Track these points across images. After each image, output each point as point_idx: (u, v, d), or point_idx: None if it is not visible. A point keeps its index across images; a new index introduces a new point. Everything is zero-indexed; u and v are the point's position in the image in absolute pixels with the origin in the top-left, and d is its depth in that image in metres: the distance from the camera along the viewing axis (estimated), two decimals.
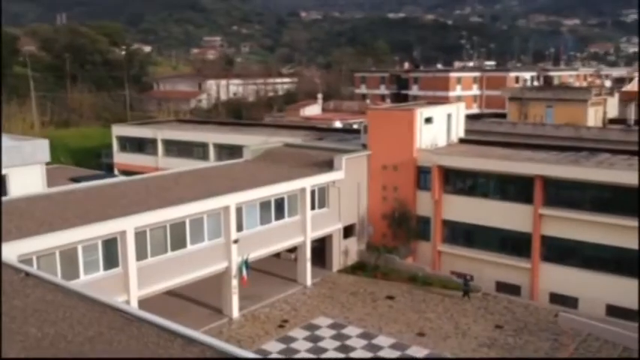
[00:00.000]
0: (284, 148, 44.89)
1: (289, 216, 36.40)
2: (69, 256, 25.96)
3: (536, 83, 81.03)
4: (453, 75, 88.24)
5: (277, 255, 38.96)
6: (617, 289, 33.72)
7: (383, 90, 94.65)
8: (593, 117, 56.40)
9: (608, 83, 65.06)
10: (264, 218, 34.91)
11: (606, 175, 33.85)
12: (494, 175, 37.43)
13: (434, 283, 37.59)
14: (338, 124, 68.74)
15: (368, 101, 76.34)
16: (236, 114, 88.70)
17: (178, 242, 30.28)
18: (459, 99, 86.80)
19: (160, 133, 54.95)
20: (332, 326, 32.15)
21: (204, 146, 52.73)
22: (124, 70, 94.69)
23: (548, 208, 35.38)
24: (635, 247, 33.14)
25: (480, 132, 52.19)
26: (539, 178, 35.31)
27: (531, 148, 41.70)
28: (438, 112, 41.95)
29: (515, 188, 36.79)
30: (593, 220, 34.06)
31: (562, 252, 35.43)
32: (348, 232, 40.82)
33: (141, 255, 28.43)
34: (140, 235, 28.30)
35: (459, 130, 44.71)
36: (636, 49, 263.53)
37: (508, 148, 42.36)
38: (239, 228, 33.05)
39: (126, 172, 52.69)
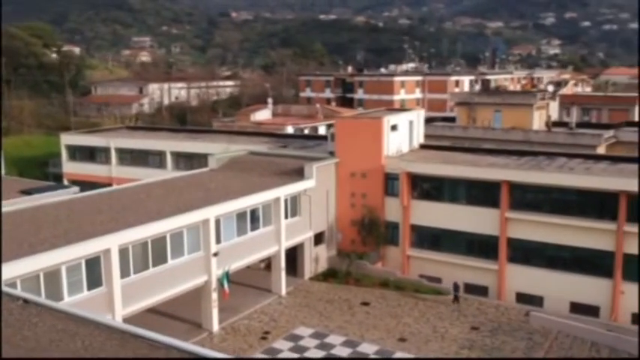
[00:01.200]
0: (249, 156, 44.63)
1: (264, 226, 36.31)
2: (53, 277, 25.00)
3: (478, 87, 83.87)
4: (398, 79, 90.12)
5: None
6: (580, 287, 35.64)
7: (328, 93, 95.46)
8: (537, 120, 59.07)
9: (550, 88, 68.26)
10: (240, 229, 34.66)
11: (568, 180, 35.67)
12: (462, 181, 38.67)
13: (406, 287, 38.46)
14: (290, 130, 68.92)
15: (318, 106, 76.70)
16: (180, 119, 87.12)
17: (160, 258, 29.64)
18: (402, 102, 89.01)
19: (114, 142, 53.32)
20: (314, 336, 32.32)
21: (160, 154, 51.60)
22: (59, 74, 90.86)
23: (514, 212, 36.91)
24: (595, 246, 35.22)
25: (433, 136, 53.59)
26: (506, 183, 36.79)
27: (492, 153, 43.25)
28: (401, 119, 42.87)
29: (482, 193, 38.15)
30: (556, 223, 35.82)
31: (527, 253, 37.07)
32: (317, 239, 41.08)
33: (124, 273, 27.67)
34: (123, 253, 27.54)
35: (419, 136, 45.82)
36: (556, 51, 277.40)
37: (469, 153, 43.81)
38: (217, 240, 32.66)
39: (76, 183, 50.69)
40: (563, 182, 35.56)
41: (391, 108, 53.55)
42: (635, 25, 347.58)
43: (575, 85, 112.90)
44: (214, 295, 32.33)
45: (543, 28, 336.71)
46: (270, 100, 76.26)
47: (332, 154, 42.50)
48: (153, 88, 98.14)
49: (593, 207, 35.07)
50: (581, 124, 59.65)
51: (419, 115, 46.03)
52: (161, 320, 32.78)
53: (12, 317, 18.38)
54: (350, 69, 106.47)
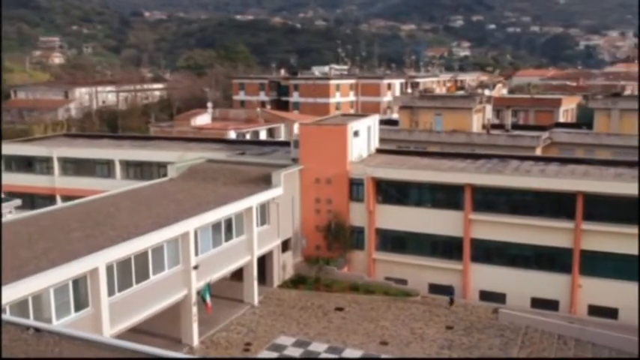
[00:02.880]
0: (208, 164, 43.88)
1: (237, 236, 35.92)
2: (41, 301, 23.74)
3: (411, 90, 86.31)
4: (333, 82, 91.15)
5: None
6: (540, 282, 37.67)
7: (263, 96, 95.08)
8: (476, 123, 61.71)
9: (487, 92, 71.40)
10: (216, 241, 34.14)
11: (528, 182, 37.65)
12: (426, 185, 39.89)
13: (375, 290, 39.24)
14: (233, 135, 68.26)
15: (259, 110, 76.31)
16: (111, 124, 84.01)
17: (142, 274, 28.74)
18: (338, 105, 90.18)
19: (57, 151, 50.76)
20: (297, 344, 32.39)
21: (109, 163, 49.69)
22: None
23: (477, 214, 38.51)
24: (554, 244, 37.37)
25: (380, 140, 54.69)
26: (469, 186, 38.31)
27: (447, 156, 44.89)
28: (362, 124, 43.60)
29: (446, 196, 39.53)
30: (517, 223, 37.70)
31: (490, 253, 38.77)
32: (284, 246, 41.08)
33: (109, 291, 26.63)
34: (108, 271, 26.50)
35: (375, 141, 46.77)
36: (467, 53, 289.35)
37: (425, 157, 45.24)
38: (195, 253, 32.01)
39: (12, 194, 48.01)
40: (524, 184, 37.48)
41: (347, 114, 54.35)
42: (535, 28, 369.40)
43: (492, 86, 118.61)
44: (194, 309, 31.69)
45: (453, 31, 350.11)
46: (209, 105, 75.07)
47: (295, 160, 42.61)
48: (80, 92, 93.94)
49: (551, 207, 37.20)
50: (496, 126, 62.70)
51: (375, 121, 46.98)
52: (140, 338, 31.43)
53: (30, 348, 17.39)
54: (282, 72, 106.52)
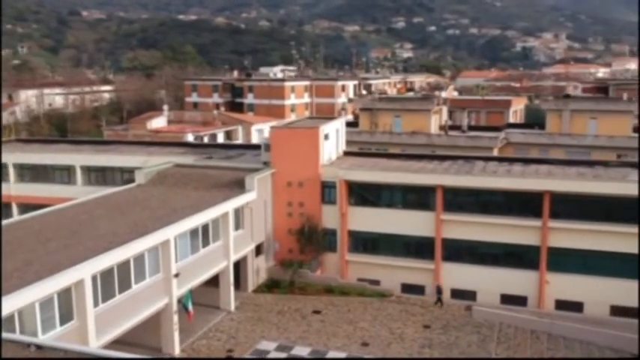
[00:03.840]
0: (176, 169, 43.23)
1: (213, 242, 35.51)
2: (27, 316, 22.85)
3: (365, 92, 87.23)
4: (288, 84, 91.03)
5: None
6: (509, 279, 38.88)
7: (216, 98, 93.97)
8: (434, 124, 62.99)
9: (444, 94, 72.92)
10: (194, 247, 33.66)
11: (495, 182, 38.81)
12: (398, 187, 40.50)
13: (350, 292, 39.58)
14: (190, 138, 67.38)
15: (216, 112, 75.41)
16: (60, 128, 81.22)
17: (125, 284, 28.06)
18: (293, 107, 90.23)
19: (12, 157, 48.74)
20: (279, 349, 32.32)
21: (69, 169, 48.09)
22: None
23: (448, 214, 39.38)
24: (520, 241, 38.65)
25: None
26: (440, 187, 39.14)
27: (414, 158, 45.68)
28: (331, 127, 43.86)
29: (417, 197, 40.27)
30: (487, 222, 38.80)
31: (461, 252, 39.71)
32: (257, 250, 40.87)
33: (93, 303, 25.87)
34: (92, 282, 25.75)
35: (343, 144, 47.12)
36: (410, 55, 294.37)
37: (393, 158, 45.91)
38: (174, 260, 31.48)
39: None
40: (493, 185, 38.61)
41: (314, 117, 54.53)
42: (474, 30, 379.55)
43: (434, 87, 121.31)
44: (175, 318, 31.17)
45: (395, 32, 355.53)
46: (165, 107, 73.69)
47: (266, 164, 42.46)
48: (26, 94, 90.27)
49: (519, 206, 38.47)
50: (454, 127, 64.16)
51: (342, 124, 47.34)
52: (120, 349, 30.79)
53: None
54: (236, 73, 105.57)
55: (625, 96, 67.87)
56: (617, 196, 36.63)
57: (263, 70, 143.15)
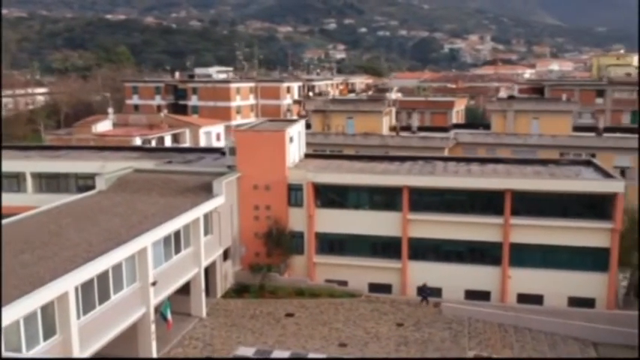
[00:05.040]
0: (137, 174, 42.18)
1: (185, 248, 34.90)
2: (11, 333, 21.81)
3: (311, 94, 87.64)
4: (233, 85, 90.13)
5: None
6: (473, 275, 40.14)
7: (159, 100, 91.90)
8: (385, 126, 64.13)
9: (393, 95, 74.22)
10: (167, 254, 32.99)
11: (458, 182, 40.06)
12: (365, 188, 41.06)
13: (321, 293, 39.83)
14: (138, 141, 65.83)
15: (162, 114, 73.78)
16: None
17: (104, 295, 27.24)
18: (238, 108, 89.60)
19: None
20: (258, 354, 32.19)
21: (18, 176, 45.91)
22: None
23: (414, 214, 40.26)
24: (483, 239, 40.02)
25: None
26: (406, 187, 39.98)
27: (375, 159, 46.47)
28: (295, 130, 43.95)
29: (384, 198, 40.95)
30: (451, 220, 39.93)
31: (426, 250, 40.68)
32: (224, 255, 40.45)
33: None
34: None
35: (303, 146, 47.29)
36: (343, 56, 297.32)
37: (354, 160, 46.52)
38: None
39: None
40: (457, 184, 39.80)
41: (274, 119, 54.30)
42: (403, 32, 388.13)
43: (371, 88, 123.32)
44: (153, 327, 30.48)
45: (328, 34, 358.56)
46: (110, 110, 71.51)
47: (231, 167, 42.07)
48: None
49: (482, 204, 39.83)
50: (405, 128, 65.60)
51: (302, 126, 47.50)
52: None
53: None
54: (177, 74, 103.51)
55: (564, 97, 71.35)
56: (573, 192, 38.59)
57: (198, 70, 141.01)
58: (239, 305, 38.44)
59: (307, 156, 47.32)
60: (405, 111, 71.72)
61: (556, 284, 38.99)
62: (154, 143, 68.23)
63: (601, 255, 38.30)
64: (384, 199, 41.00)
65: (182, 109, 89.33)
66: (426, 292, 38.97)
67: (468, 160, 46.32)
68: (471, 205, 40.11)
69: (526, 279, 39.42)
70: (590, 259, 38.65)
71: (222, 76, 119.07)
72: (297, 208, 41.59)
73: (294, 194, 41.59)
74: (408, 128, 65.03)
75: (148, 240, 29.76)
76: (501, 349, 33.40)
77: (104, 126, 69.18)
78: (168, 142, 71.25)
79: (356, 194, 41.39)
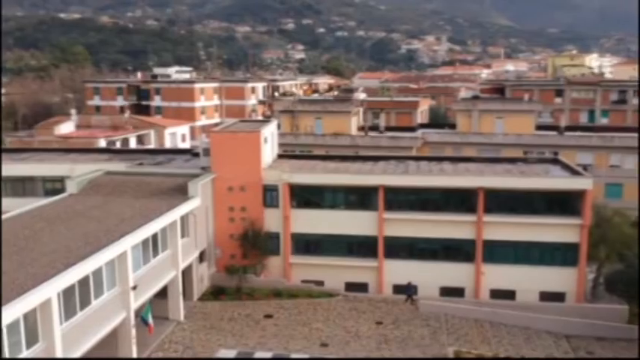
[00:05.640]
0: (108, 177, 41.39)
1: (162, 251, 34.43)
2: None
3: (276, 94, 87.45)
4: (198, 86, 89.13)
5: None
6: (447, 272, 40.78)
7: (121, 101, 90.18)
8: (354, 126, 64.53)
9: (362, 96, 74.62)
10: (145, 258, 32.48)
11: (433, 181, 40.68)
12: (340, 188, 41.25)
13: (298, 294, 39.85)
14: (103, 143, 64.54)
15: (127, 115, 72.43)
16: None
17: (85, 300, 26.66)
18: (203, 109, 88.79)
19: None
20: (241, 356, 32.02)
21: None
22: None
23: (390, 213, 40.67)
24: (457, 236, 40.71)
25: None
26: (382, 187, 40.35)
27: (347, 159, 46.76)
28: (268, 131, 43.84)
29: (359, 198, 41.25)
30: (426, 219, 40.46)
31: (402, 248, 41.13)
32: (200, 258, 40.05)
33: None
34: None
35: (276, 147, 47.22)
36: (302, 56, 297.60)
37: (327, 160, 46.68)
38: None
39: None
40: (432, 183, 40.40)
41: (246, 120, 54.05)
42: (361, 33, 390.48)
43: (333, 89, 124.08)
44: (133, 332, 29.99)
45: (287, 34, 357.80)
46: (73, 112, 69.82)
47: (205, 169, 41.69)
48: None
49: (456, 202, 40.54)
50: (373, 128, 66.24)
51: (275, 127, 47.41)
52: None
53: None
54: (139, 75, 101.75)
55: (526, 97, 73.14)
56: (543, 190, 39.64)
57: (157, 70, 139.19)
58: (217, 308, 38.12)
59: (280, 156, 47.26)
60: (370, 111, 72.27)
61: (527, 279, 39.94)
62: (118, 145, 66.91)
63: (570, 250, 39.48)
64: (360, 198, 41.30)
65: (145, 110, 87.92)
66: (411, 291, 39.32)
67: (439, 159, 47.05)
68: (445, 203, 40.77)
69: (499, 275, 40.26)
70: (560, 255, 39.79)
71: (183, 76, 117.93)
72: (272, 209, 41.50)
73: (269, 195, 41.48)
74: (375, 128, 65.61)
75: (127, 244, 29.24)
76: (479, 344, 34.09)
77: (67, 128, 67.48)
78: (133, 144, 69.93)
79: (332, 194, 41.55)
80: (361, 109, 68.22)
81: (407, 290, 39.58)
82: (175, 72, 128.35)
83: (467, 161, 46.08)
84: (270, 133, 44.42)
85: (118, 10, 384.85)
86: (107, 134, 66.51)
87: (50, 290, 23.29)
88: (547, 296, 39.95)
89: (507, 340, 34.89)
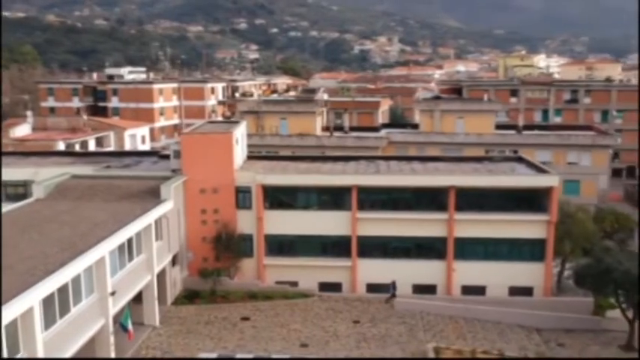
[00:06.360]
0: (75, 180, 40.29)
1: (137, 255, 33.81)
2: None
3: (237, 95, 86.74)
4: (156, 86, 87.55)
5: None
6: (420, 270, 41.38)
7: (77, 103, 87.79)
8: (319, 126, 64.69)
9: (325, 96, 74.63)
10: (121, 263, 31.83)
11: (406, 180, 41.26)
12: (313, 188, 41.34)
13: (273, 295, 39.75)
14: (62, 146, 62.84)
15: (85, 117, 70.45)
16: None
17: (64, 308, 25.95)
18: (162, 110, 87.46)
19: None
20: (222, 358, 31.74)
21: None
22: None
23: (363, 212, 41.01)
24: (429, 234, 41.36)
25: None
26: (355, 187, 40.64)
27: (317, 160, 46.97)
28: (239, 132, 43.56)
29: (333, 198, 41.42)
30: (398, 218, 40.99)
31: (375, 247, 41.53)
32: (172, 261, 39.49)
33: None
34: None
35: (245, 148, 46.95)
36: (256, 56, 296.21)
37: (298, 161, 46.72)
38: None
39: None
40: (405, 182, 40.96)
41: (213, 121, 53.32)
42: (314, 33, 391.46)
43: (290, 89, 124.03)
44: (112, 338, 29.35)
45: (239, 34, 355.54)
46: (29, 113, 67.61)
47: (175, 171, 41.11)
48: None
49: (427, 201, 41.19)
50: (337, 128, 66.64)
51: (244, 128, 47.13)
52: None
53: None
54: (95, 75, 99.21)
55: (486, 97, 74.83)
56: (512, 187, 40.71)
57: (109, 71, 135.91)
58: (192, 311, 37.66)
59: (250, 158, 47.00)
60: (332, 111, 72.55)
61: (497, 275, 40.94)
62: (77, 147, 65.27)
63: (538, 246, 40.69)
64: (333, 199, 41.49)
65: (102, 111, 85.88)
66: (395, 289, 39.68)
67: (409, 159, 47.70)
68: (417, 202, 41.36)
69: (469, 271, 41.12)
70: (528, 250, 40.92)
71: (137, 76, 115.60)
72: (245, 211, 41.26)
73: (242, 197, 41.24)
74: (340, 128, 65.94)
75: (106, 248, 28.60)
76: (455, 339, 34.74)
77: (22, 130, 65.33)
78: (92, 146, 68.29)
79: (305, 195, 41.62)
80: (325, 110, 68.42)
81: (392, 288, 39.86)
82: (129, 72, 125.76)
83: (435, 161, 46.85)
84: (240, 134, 44.13)
85: (63, 9, 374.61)
86: (65, 136, 64.73)
87: (32, 299, 22.58)
88: (516, 291, 41.03)
89: (482, 335, 35.68)
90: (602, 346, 35.33)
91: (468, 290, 41.35)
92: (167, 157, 46.89)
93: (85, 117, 70.26)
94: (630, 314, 34.88)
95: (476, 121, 63.65)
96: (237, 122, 46.74)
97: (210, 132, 42.48)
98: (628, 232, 52.57)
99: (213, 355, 32.03)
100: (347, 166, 44.94)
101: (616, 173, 78.65)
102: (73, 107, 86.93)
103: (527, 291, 41.03)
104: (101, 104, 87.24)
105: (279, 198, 41.58)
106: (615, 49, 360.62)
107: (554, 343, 35.61)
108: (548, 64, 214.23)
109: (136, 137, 75.52)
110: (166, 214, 37.39)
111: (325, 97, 71.92)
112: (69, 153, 51.44)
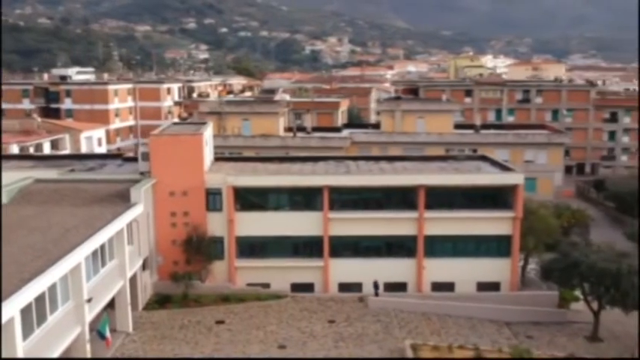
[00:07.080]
0: (39, 185, 39.13)
1: (110, 261, 33.06)
2: None
3: (194, 95, 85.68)
4: (112, 87, 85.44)
5: None
6: (391, 268, 41.82)
7: (27, 104, 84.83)
8: (281, 127, 64.64)
9: (287, 96, 74.53)
10: (95, 268, 31.07)
11: (377, 180, 41.73)
12: (284, 189, 41.29)
13: (246, 297, 39.53)
14: (15, 149, 60.83)
15: (38, 119, 68.16)
16: None
17: (41, 317, 25.16)
18: (117, 111, 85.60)
19: None
20: None
21: None
22: None
23: (334, 212, 41.21)
24: (400, 233, 41.88)
25: None
26: (327, 187, 40.81)
27: (287, 160, 46.94)
28: (208, 133, 43.10)
29: (304, 198, 41.45)
30: (369, 217, 41.39)
31: (347, 247, 41.80)
32: (142, 266, 38.77)
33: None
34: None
35: (212, 150, 46.48)
36: (206, 56, 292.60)
37: (266, 162, 46.56)
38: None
39: None
40: (376, 182, 41.39)
41: (179, 122, 52.38)
42: (265, 33, 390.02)
43: (246, 89, 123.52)
44: (88, 347, 28.63)
45: (189, 33, 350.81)
46: None
47: (144, 174, 40.37)
48: None
49: (397, 200, 41.73)
50: (300, 128, 66.74)
51: (211, 129, 46.65)
52: None
53: None
54: (46, 76, 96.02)
55: (444, 97, 76.30)
56: (479, 185, 41.68)
57: (55, 71, 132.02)
58: (164, 316, 37.07)
59: (217, 159, 46.56)
60: (293, 112, 72.63)
61: (465, 271, 41.78)
62: (31, 150, 63.28)
63: (504, 242, 41.76)
64: (305, 199, 41.54)
65: (55, 113, 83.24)
66: (377, 288, 39.94)
67: (377, 159, 48.22)
68: (388, 201, 41.85)
69: (439, 268, 41.82)
70: (494, 246, 41.98)
71: (85, 77, 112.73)
72: (216, 213, 40.88)
73: (212, 199, 40.83)
74: (302, 129, 66.05)
75: (82, 254, 27.87)
76: (430, 335, 35.35)
77: None
78: (47, 149, 66.32)
79: (276, 196, 41.55)
80: (287, 110, 68.40)
81: (374, 287, 40.11)
82: (77, 73, 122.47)
83: (402, 160, 47.50)
84: (209, 135, 43.68)
85: (4, 6, 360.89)
86: (19, 139, 62.62)
87: (12, 309, 21.82)
88: (484, 286, 41.99)
89: (455, 331, 36.42)
90: (569, 337, 36.61)
91: (437, 287, 42.06)
92: (132, 159, 46.17)
93: (37, 119, 68.03)
94: (595, 306, 36.24)
95: (436, 121, 64.93)
96: (204, 123, 46.19)
97: (179, 133, 41.87)
98: (584, 227, 54.81)
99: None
100: (316, 166, 45.10)
101: (567, 170, 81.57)
102: (24, 109, 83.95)
103: (494, 286, 42.06)
104: (53, 106, 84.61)
105: (250, 199, 41.35)
106: (556, 50, 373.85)
107: (524, 335, 36.66)
108: (496, 64, 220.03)
109: (92, 139, 73.72)
110: (137, 217, 36.71)
111: (287, 97, 71.81)
112: (28, 156, 49.73)
